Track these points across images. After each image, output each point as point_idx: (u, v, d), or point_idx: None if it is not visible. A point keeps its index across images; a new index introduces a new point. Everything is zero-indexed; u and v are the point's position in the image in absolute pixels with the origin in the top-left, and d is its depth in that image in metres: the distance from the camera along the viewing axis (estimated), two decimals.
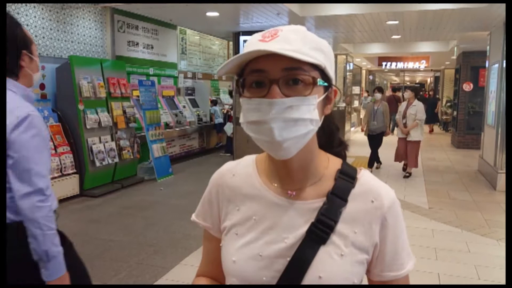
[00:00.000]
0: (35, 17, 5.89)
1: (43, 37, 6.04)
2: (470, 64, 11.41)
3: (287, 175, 0.86)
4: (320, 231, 0.81)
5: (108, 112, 6.51)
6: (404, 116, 7.43)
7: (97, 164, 6.17)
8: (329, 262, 0.80)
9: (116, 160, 6.53)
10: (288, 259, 0.81)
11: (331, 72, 0.81)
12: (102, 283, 3.39)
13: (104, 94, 6.44)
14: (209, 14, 7.26)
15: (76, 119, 6.04)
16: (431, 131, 16.02)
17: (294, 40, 0.76)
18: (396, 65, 18.39)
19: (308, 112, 0.76)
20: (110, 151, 6.44)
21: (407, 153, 7.50)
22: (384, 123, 7.57)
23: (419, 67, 18.33)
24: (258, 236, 0.85)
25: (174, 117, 8.79)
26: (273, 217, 0.85)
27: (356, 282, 0.82)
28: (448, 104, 16.21)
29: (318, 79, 0.78)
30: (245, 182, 0.91)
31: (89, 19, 6.87)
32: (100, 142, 6.34)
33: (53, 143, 5.77)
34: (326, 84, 0.80)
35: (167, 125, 8.34)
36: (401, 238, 0.87)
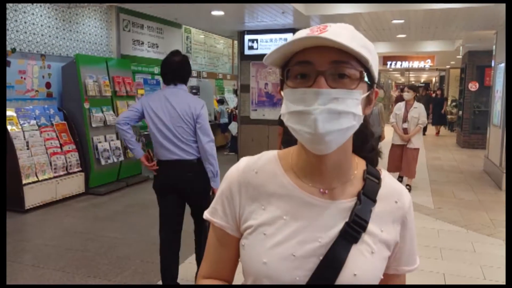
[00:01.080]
0: (41, 15, 5.92)
1: (49, 36, 6.06)
2: (476, 64, 11.35)
3: (320, 173, 0.85)
4: (353, 231, 0.82)
5: (114, 111, 6.54)
6: (405, 120, 6.43)
7: (103, 162, 6.20)
8: (362, 260, 0.82)
9: (121, 158, 6.55)
10: (321, 258, 0.81)
11: (375, 72, 0.81)
12: (107, 281, 3.41)
13: (110, 92, 6.47)
14: (214, 13, 7.26)
15: (81, 118, 6.07)
16: (438, 133, 15.34)
17: (343, 35, 0.75)
18: (401, 65, 18.32)
19: (353, 106, 0.76)
20: (115, 150, 6.47)
21: (406, 163, 6.45)
22: (380, 127, 6.66)
23: (424, 66, 18.25)
24: (290, 236, 0.83)
25: None
26: (306, 216, 0.84)
27: (381, 276, 0.86)
28: (454, 103, 16.13)
29: (365, 74, 0.78)
30: (270, 180, 0.88)
31: (95, 18, 6.89)
32: (106, 140, 6.37)
33: (59, 142, 5.80)
34: (369, 82, 0.80)
35: None
36: (415, 237, 0.93)
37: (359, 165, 0.91)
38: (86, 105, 6.07)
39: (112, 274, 3.53)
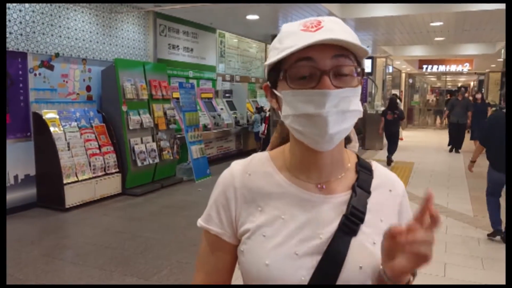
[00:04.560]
0: (83, 21, 6.14)
1: (90, 41, 6.27)
2: None
3: (317, 169, 0.85)
4: (351, 223, 0.82)
5: (150, 114, 6.68)
6: None
7: (139, 164, 6.34)
8: (365, 251, 0.81)
9: (157, 160, 6.68)
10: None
11: (363, 63, 0.83)
12: (144, 280, 3.48)
13: (146, 96, 6.62)
14: (249, 17, 7.32)
15: (119, 120, 6.23)
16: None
17: (338, 30, 0.76)
18: (437, 68, 17.88)
19: (357, 104, 0.79)
20: (151, 152, 6.60)
21: None
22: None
23: (462, 70, 17.74)
24: (291, 235, 0.81)
25: (212, 119, 8.91)
26: (305, 213, 0.83)
27: None
28: (494, 108, 15.53)
29: (359, 69, 0.80)
30: (264, 181, 0.87)
31: (133, 23, 7.08)
32: (142, 142, 6.51)
33: (98, 143, 5.98)
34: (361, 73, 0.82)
35: (205, 127, 8.47)
36: None
37: (351, 158, 0.92)
38: (124, 108, 6.24)
39: (148, 273, 3.60)
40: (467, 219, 5.26)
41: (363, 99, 12.96)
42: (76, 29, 6.04)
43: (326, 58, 0.75)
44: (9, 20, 5.10)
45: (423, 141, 13.59)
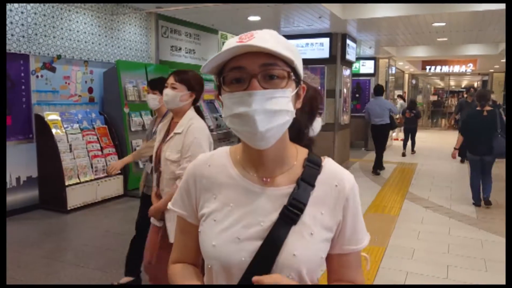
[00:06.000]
0: (85, 23, 6.15)
1: (92, 43, 6.28)
2: None
3: (262, 165, 0.95)
4: (291, 213, 0.91)
5: (152, 115, 6.68)
6: (157, 167, 2.58)
7: (140, 165, 6.33)
8: (301, 241, 0.90)
9: None
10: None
11: (300, 70, 0.91)
12: (145, 282, 3.46)
13: None
14: (250, 18, 7.31)
15: (121, 122, 6.24)
16: None
17: (269, 40, 0.85)
18: (441, 69, 17.81)
19: (285, 104, 0.86)
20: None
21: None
22: None
23: (465, 70, 17.66)
24: (236, 221, 0.92)
25: (215, 121, 8.89)
26: (249, 203, 0.94)
27: (323, 256, 0.95)
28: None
29: (291, 74, 0.88)
30: (220, 172, 0.98)
31: (135, 25, 7.09)
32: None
33: (100, 145, 5.99)
34: (297, 80, 0.91)
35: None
36: (359, 218, 0.99)
37: (300, 154, 1.00)
38: (126, 110, 6.24)
39: None
40: (470, 221, 5.23)
41: (366, 101, 12.92)
42: (78, 31, 6.05)
43: (255, 66, 0.85)
44: (11, 23, 5.12)
45: (426, 142, 13.54)
